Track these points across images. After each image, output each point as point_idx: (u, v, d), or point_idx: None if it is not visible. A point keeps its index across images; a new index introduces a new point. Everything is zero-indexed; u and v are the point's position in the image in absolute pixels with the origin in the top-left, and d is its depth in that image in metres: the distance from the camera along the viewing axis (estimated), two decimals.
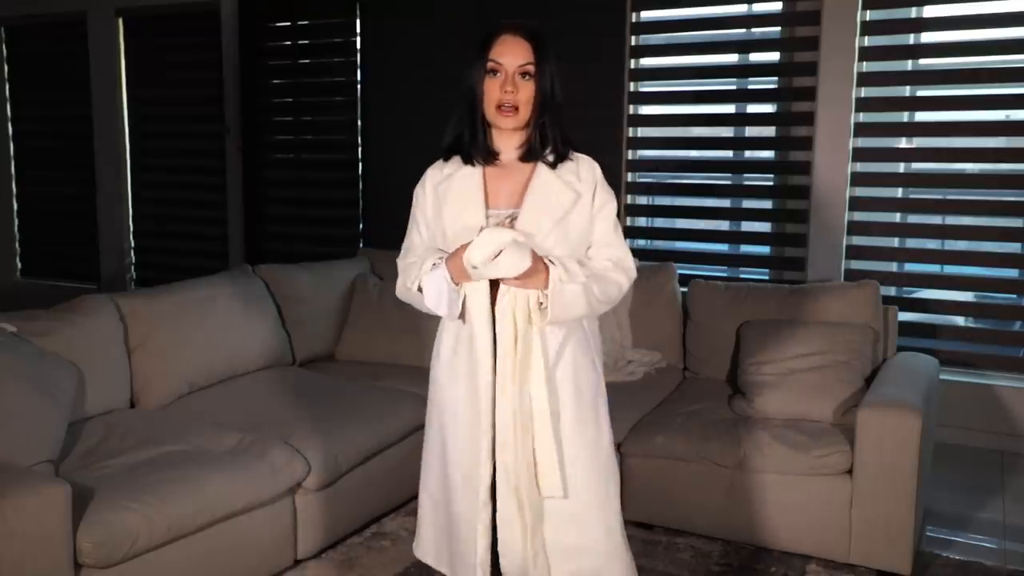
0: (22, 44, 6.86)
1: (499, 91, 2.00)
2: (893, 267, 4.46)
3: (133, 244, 6.56)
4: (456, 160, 2.11)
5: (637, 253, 4.62)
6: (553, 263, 1.97)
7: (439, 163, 2.15)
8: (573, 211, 2.04)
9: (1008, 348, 4.27)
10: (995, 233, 4.18)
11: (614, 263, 2.08)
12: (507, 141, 2.08)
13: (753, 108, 4.79)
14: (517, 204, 2.05)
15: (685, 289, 4.05)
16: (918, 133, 4.41)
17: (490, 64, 2.01)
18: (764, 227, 4.75)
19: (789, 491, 3.10)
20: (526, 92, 2.01)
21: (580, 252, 2.08)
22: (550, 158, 2.07)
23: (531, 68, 2.00)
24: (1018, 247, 4.18)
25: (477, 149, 2.07)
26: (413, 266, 2.11)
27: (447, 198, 2.08)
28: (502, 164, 2.09)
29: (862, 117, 4.30)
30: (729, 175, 4.86)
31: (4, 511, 2.23)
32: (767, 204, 4.70)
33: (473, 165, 2.09)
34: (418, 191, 2.17)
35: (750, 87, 4.80)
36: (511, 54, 2.00)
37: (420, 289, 2.05)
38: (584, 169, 2.10)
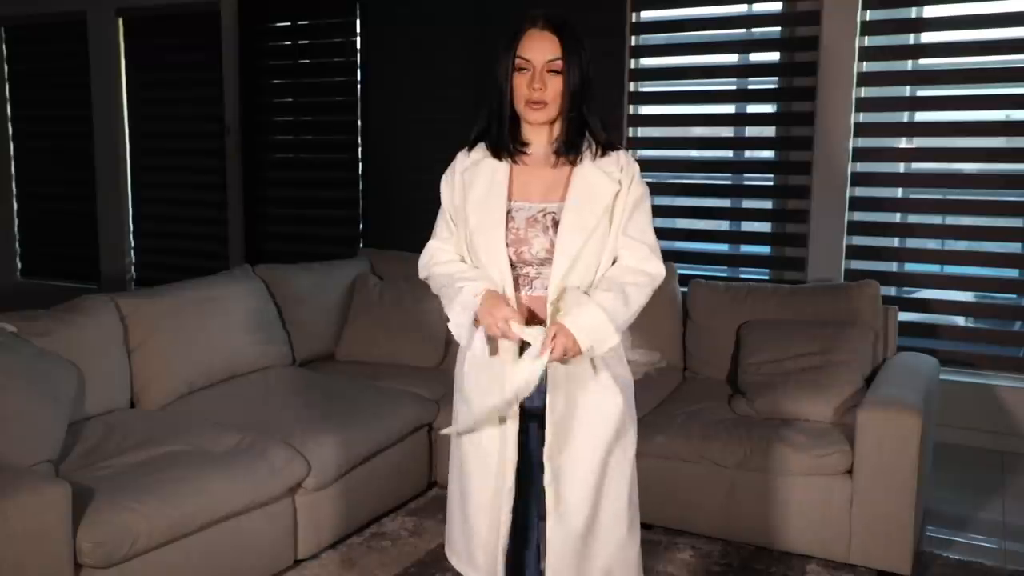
0: (22, 44, 6.85)
1: (527, 88, 2.00)
2: (893, 267, 4.46)
3: (133, 244, 6.55)
4: (482, 149, 2.11)
5: None
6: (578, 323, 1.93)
7: (465, 151, 2.15)
8: (617, 202, 2.04)
9: (1008, 348, 4.27)
10: (995, 233, 4.18)
11: (642, 266, 2.05)
12: (538, 134, 2.08)
13: (753, 108, 4.78)
14: (554, 199, 2.04)
15: (685, 289, 4.05)
16: (918, 133, 4.41)
17: (518, 61, 2.01)
18: (764, 227, 4.74)
19: (789, 491, 3.10)
20: (555, 87, 2.00)
21: (614, 243, 2.06)
22: (592, 149, 2.05)
23: (559, 64, 1.99)
24: (1018, 247, 4.18)
25: (502, 143, 2.07)
26: (443, 270, 2.12)
27: (473, 184, 2.08)
28: (532, 157, 2.08)
29: (862, 117, 4.30)
30: (729, 175, 4.86)
31: (4, 511, 2.23)
32: (767, 204, 4.70)
33: (500, 159, 2.08)
34: (446, 178, 2.16)
35: (750, 87, 4.79)
36: (538, 50, 2.00)
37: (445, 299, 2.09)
38: (624, 159, 2.09)
